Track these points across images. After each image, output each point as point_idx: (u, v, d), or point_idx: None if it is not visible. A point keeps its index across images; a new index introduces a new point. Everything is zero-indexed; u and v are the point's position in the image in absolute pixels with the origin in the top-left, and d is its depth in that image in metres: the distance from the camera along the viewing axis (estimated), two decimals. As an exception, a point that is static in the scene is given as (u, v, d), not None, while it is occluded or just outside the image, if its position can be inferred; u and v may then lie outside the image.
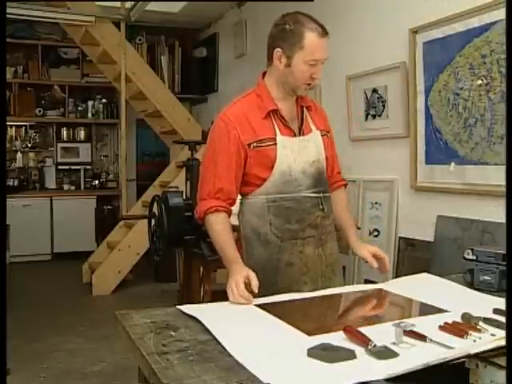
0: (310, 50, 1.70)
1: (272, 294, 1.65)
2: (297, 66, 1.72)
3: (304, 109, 1.87)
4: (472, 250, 1.72)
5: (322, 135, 1.87)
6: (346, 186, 2.06)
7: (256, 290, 1.59)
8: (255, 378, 1.02)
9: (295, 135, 1.81)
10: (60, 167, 7.17)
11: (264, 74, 1.86)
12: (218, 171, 1.75)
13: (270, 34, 1.79)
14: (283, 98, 1.81)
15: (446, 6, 3.03)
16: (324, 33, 1.72)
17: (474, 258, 1.70)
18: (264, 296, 1.62)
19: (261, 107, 1.79)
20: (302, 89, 1.78)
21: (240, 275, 1.61)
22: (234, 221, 1.88)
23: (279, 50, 1.74)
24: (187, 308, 1.47)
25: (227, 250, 1.72)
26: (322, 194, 1.83)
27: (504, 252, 1.61)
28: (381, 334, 1.20)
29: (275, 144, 1.75)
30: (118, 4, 5.69)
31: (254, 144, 1.74)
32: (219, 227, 1.74)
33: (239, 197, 1.86)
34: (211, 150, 1.79)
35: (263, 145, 1.75)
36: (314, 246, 1.83)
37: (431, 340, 1.16)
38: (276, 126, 1.78)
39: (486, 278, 1.65)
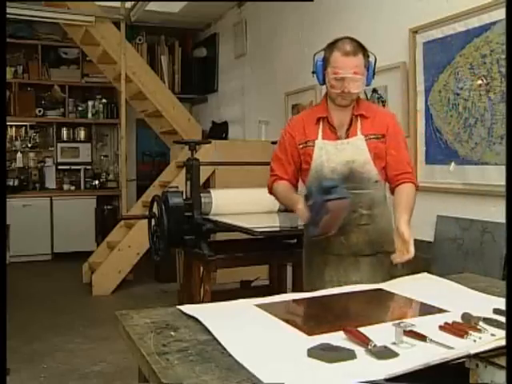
0: (333, 66, 1.97)
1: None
2: (328, 80, 2.01)
3: (357, 116, 2.08)
4: None
5: (369, 139, 2.05)
6: (413, 183, 2.07)
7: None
8: (255, 378, 1.02)
9: (338, 139, 2.06)
10: (60, 167, 7.16)
11: None
12: (278, 156, 2.19)
13: None
14: (336, 108, 2.07)
15: (446, 6, 3.04)
16: (350, 52, 1.94)
17: None
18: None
19: (315, 115, 2.11)
20: (338, 99, 2.03)
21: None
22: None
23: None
24: (187, 308, 1.47)
25: (290, 197, 2.10)
26: (349, 191, 1.99)
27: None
28: (381, 333, 1.20)
29: (314, 146, 2.07)
30: (118, 4, 5.69)
31: (303, 144, 2.10)
32: (279, 188, 2.16)
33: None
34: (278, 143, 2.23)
35: (308, 145, 2.09)
36: (338, 233, 2.00)
37: (431, 340, 1.16)
38: (321, 131, 2.08)
39: None
